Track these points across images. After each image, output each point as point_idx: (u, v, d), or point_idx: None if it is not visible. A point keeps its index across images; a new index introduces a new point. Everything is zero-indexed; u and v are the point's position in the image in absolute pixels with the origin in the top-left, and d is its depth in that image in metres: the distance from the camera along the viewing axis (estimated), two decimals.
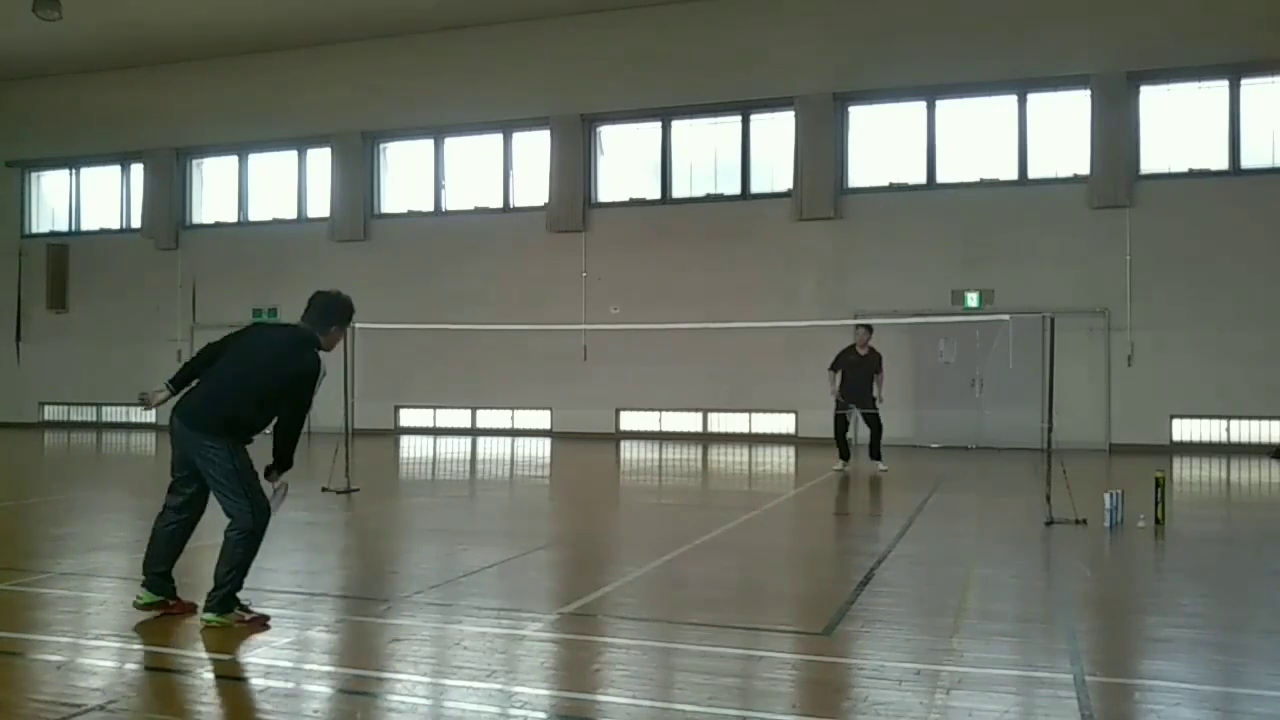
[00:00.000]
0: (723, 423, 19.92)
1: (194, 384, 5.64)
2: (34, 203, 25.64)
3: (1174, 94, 17.75)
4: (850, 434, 14.47)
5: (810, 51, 19.17)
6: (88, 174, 25.10)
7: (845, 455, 14.22)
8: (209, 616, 5.38)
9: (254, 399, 5.48)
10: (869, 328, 14.07)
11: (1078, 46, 17.69)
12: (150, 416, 23.94)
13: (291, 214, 23.15)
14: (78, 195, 25.18)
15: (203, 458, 5.52)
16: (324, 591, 6.47)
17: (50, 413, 24.99)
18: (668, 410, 20.06)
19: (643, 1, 20.01)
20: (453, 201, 21.94)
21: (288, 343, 5.58)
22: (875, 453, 14.20)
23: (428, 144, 22.02)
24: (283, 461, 5.69)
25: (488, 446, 18.92)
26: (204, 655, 4.84)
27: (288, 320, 5.96)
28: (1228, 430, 17.23)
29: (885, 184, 19.12)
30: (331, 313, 5.74)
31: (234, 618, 5.39)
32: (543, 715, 4.15)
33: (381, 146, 22.49)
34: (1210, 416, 17.32)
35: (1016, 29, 18.02)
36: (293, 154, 23.15)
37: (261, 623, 5.41)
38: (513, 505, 11.37)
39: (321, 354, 5.64)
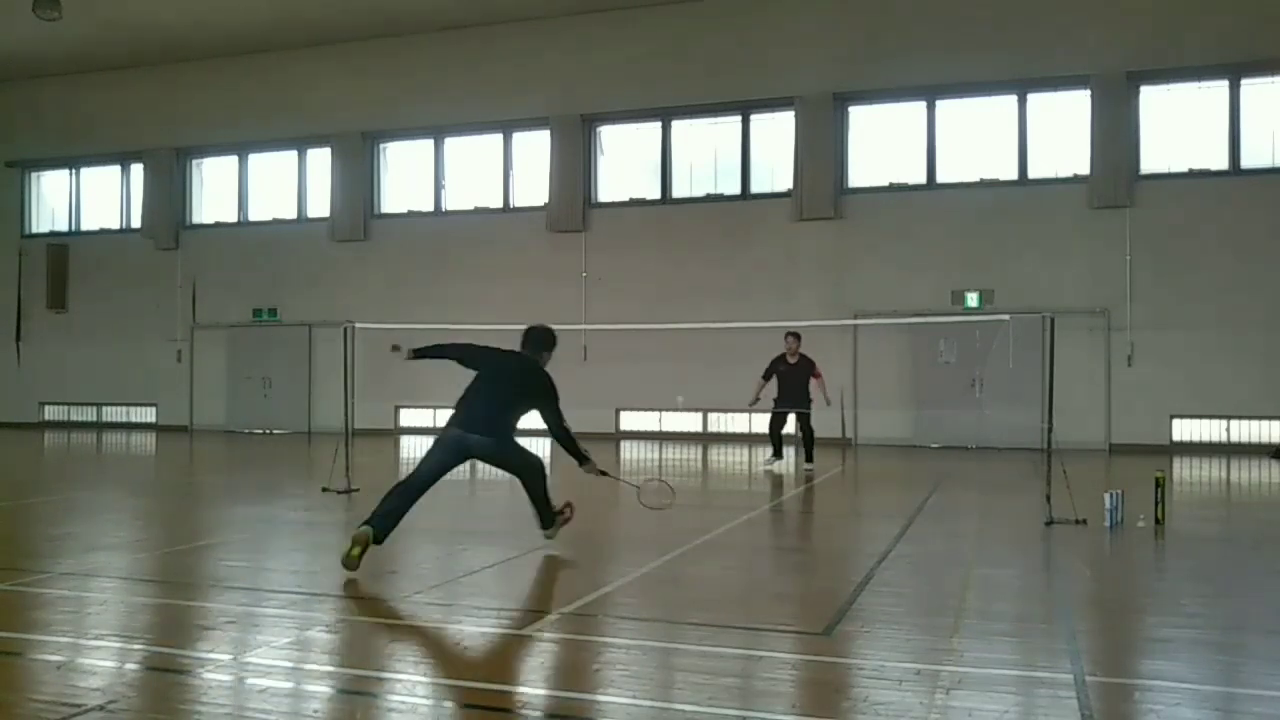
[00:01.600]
0: (723, 423, 19.92)
1: (470, 401, 7.43)
2: (34, 203, 25.65)
3: (1174, 94, 17.75)
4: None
5: (810, 51, 19.17)
6: (88, 174, 25.11)
7: (779, 453, 14.27)
8: (549, 532, 7.52)
9: (515, 414, 7.44)
10: (797, 335, 14.00)
11: (1078, 46, 17.69)
12: (150, 416, 23.97)
13: (291, 214, 23.16)
14: (78, 195, 25.18)
15: (500, 450, 7.29)
16: (324, 591, 6.46)
17: (50, 413, 25.00)
18: (667, 410, 20.07)
19: (643, 1, 20.01)
20: (453, 201, 21.94)
21: (531, 370, 7.55)
22: (809, 455, 14.34)
23: (428, 144, 22.03)
24: (579, 456, 7.42)
25: None
26: (204, 655, 4.84)
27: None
28: (1228, 430, 17.23)
29: (885, 184, 19.13)
30: (543, 343, 7.73)
31: (561, 522, 7.60)
32: (543, 715, 4.15)
33: (381, 146, 22.49)
34: (1210, 416, 17.33)
35: (1016, 29, 18.02)
36: (293, 154, 23.16)
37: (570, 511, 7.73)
38: (513, 505, 11.36)
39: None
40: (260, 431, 22.58)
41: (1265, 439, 17.00)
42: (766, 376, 14.12)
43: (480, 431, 7.13)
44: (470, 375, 7.55)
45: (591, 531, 8.15)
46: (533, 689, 4.47)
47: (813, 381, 13.91)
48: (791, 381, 13.93)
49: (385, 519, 6.72)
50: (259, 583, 6.57)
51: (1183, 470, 14.72)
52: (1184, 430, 17.47)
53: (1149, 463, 12.17)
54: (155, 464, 16.77)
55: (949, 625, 5.41)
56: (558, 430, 7.30)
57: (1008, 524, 9.33)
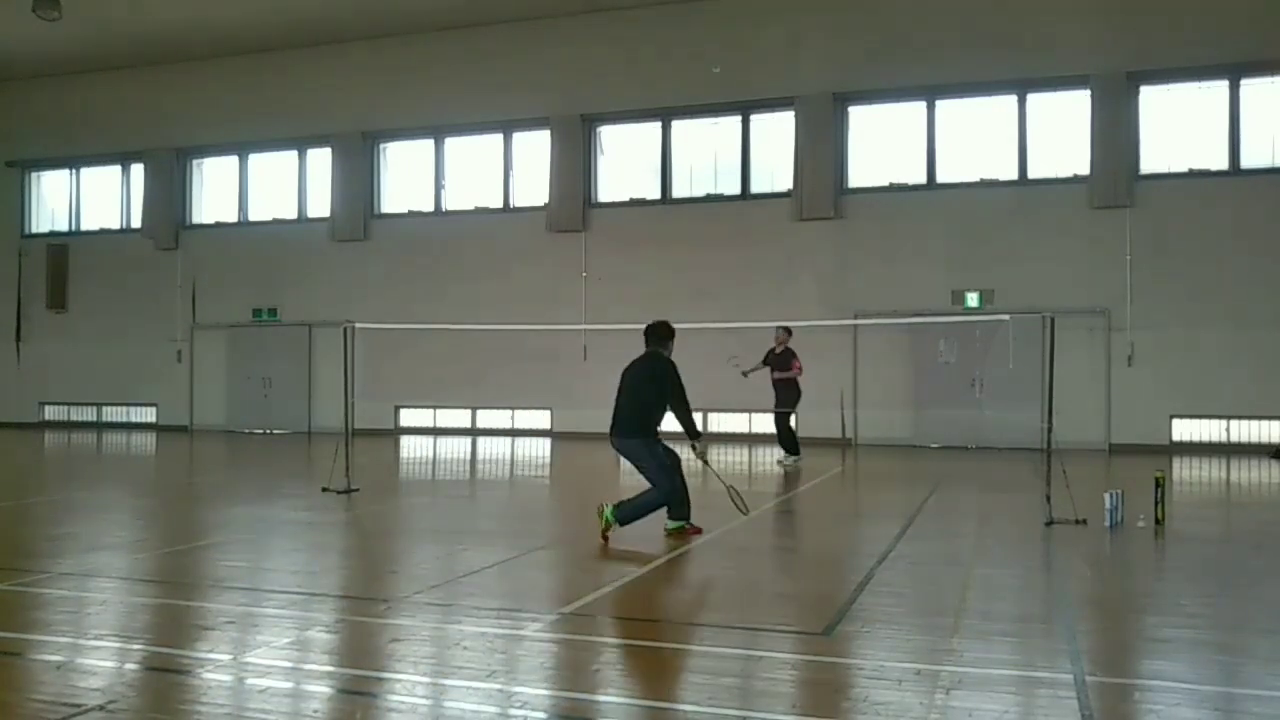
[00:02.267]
0: (723, 423, 19.92)
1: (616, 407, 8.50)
2: (34, 203, 25.65)
3: (1174, 94, 17.75)
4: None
5: (810, 51, 19.17)
6: (88, 174, 25.11)
7: (796, 450, 14.80)
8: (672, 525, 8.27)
9: (648, 409, 8.44)
10: (787, 330, 14.83)
11: (1078, 46, 17.69)
12: (150, 416, 23.98)
13: (291, 214, 23.16)
14: (78, 195, 25.18)
15: (637, 451, 8.38)
16: (324, 591, 6.46)
17: (50, 413, 25.00)
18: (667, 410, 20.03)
19: (643, 1, 20.02)
20: (453, 201, 21.94)
21: (657, 363, 8.55)
22: (790, 449, 14.97)
23: (428, 144, 22.03)
24: (694, 433, 8.50)
25: (488, 446, 18.92)
26: (204, 655, 4.84)
27: None
28: (1228, 430, 17.23)
29: (885, 184, 19.13)
30: (662, 335, 8.78)
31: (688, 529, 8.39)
32: (543, 715, 4.15)
33: (381, 146, 22.49)
34: (1210, 416, 17.33)
35: (1016, 29, 18.02)
36: (293, 154, 23.16)
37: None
38: (513, 505, 11.37)
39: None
40: (260, 431, 22.58)
41: (1265, 439, 17.00)
42: (763, 364, 14.90)
43: (615, 434, 8.35)
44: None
45: (591, 531, 8.15)
46: (533, 689, 4.47)
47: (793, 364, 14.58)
48: (775, 370, 14.68)
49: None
50: (259, 583, 6.57)
51: (1183, 470, 14.72)
52: (1184, 430, 17.47)
53: (1149, 463, 12.17)
54: (155, 464, 16.77)
55: (949, 625, 5.42)
56: (679, 407, 8.34)
57: (1008, 524, 9.33)
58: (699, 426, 8.45)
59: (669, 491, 8.12)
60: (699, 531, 8.27)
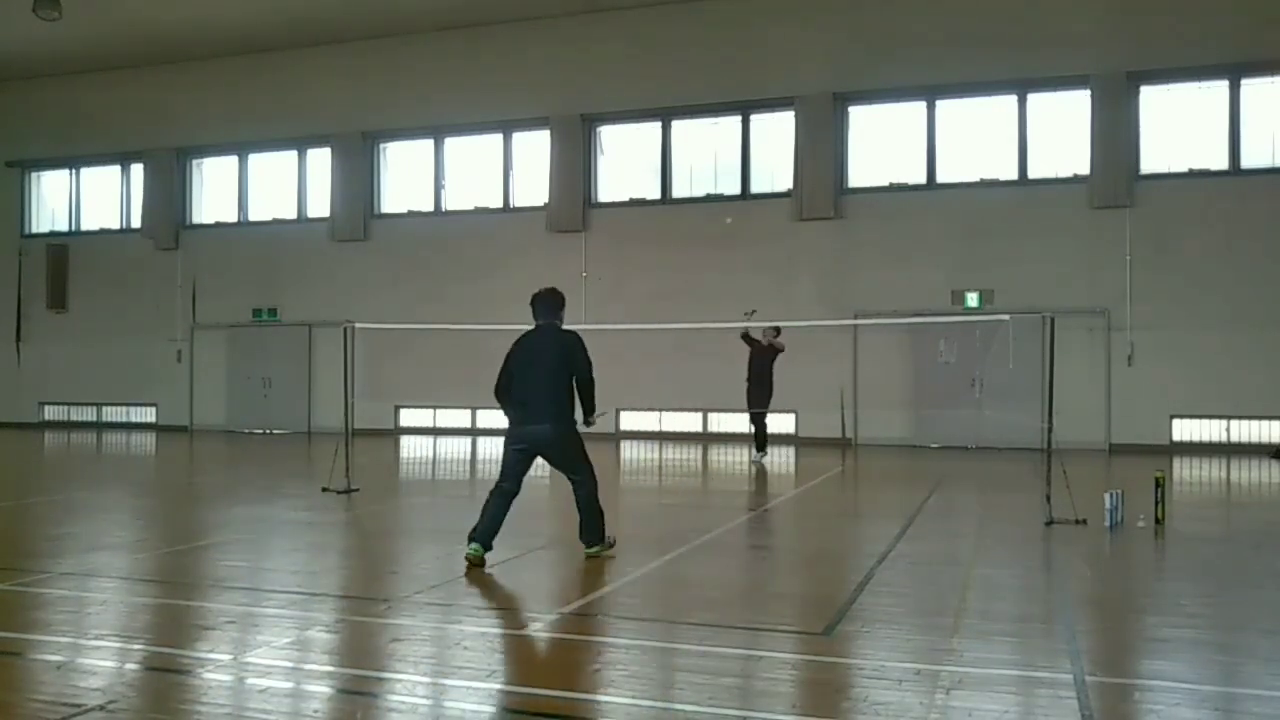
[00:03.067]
0: (723, 423, 19.92)
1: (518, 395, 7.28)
2: (34, 203, 25.65)
3: (1174, 94, 17.75)
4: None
5: (810, 51, 19.17)
6: (88, 174, 25.11)
7: (764, 447, 15.13)
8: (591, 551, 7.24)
9: (564, 390, 7.29)
10: (775, 329, 14.90)
11: (1078, 46, 17.69)
12: (150, 416, 23.98)
13: (291, 214, 23.16)
14: (78, 195, 25.18)
15: (558, 441, 7.29)
16: (324, 591, 6.46)
17: (50, 413, 25.00)
18: (668, 410, 20.07)
19: (643, 1, 20.01)
20: (453, 201, 21.94)
21: (566, 337, 7.43)
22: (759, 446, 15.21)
23: (428, 144, 22.03)
24: (591, 408, 7.48)
25: (488, 446, 18.91)
26: (204, 655, 4.84)
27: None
28: (1228, 430, 17.23)
29: (885, 184, 19.13)
30: (556, 305, 7.62)
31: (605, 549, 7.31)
32: (543, 715, 4.15)
33: (381, 146, 22.49)
34: (1210, 416, 17.33)
35: (1016, 29, 18.02)
36: (293, 154, 23.16)
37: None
38: (512, 505, 11.36)
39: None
40: (260, 431, 22.58)
41: (1265, 439, 17.00)
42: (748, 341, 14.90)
43: (535, 421, 7.18)
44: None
45: None
46: (533, 689, 4.47)
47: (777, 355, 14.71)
48: (756, 365, 14.77)
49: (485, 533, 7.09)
50: (259, 583, 6.57)
51: (1183, 470, 14.72)
52: (1184, 430, 17.47)
53: (1149, 463, 12.17)
54: (155, 464, 16.77)
55: (949, 625, 5.42)
56: (586, 386, 7.38)
57: (1008, 524, 9.33)
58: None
59: (594, 482, 7.31)
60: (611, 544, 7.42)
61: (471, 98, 21.22)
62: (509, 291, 20.74)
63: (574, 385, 7.32)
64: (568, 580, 7.01)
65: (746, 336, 14.88)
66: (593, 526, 7.27)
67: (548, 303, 7.61)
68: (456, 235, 21.36)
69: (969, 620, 5.56)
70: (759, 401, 14.73)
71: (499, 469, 7.33)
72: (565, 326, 7.63)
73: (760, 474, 13.88)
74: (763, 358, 14.77)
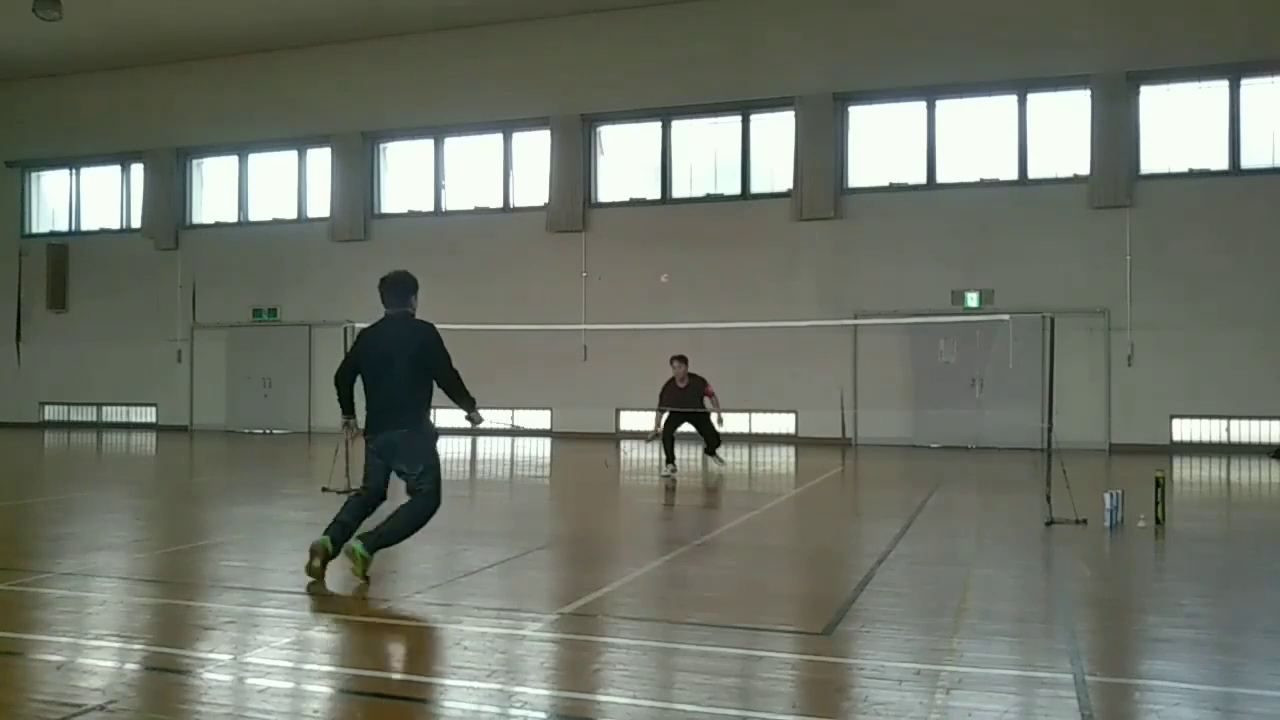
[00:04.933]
0: (722, 423, 19.87)
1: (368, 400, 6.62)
2: (34, 203, 25.66)
3: (1174, 94, 17.76)
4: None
5: (810, 51, 19.18)
6: (88, 174, 25.11)
7: (671, 459, 13.56)
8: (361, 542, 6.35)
9: (420, 390, 6.57)
10: (683, 359, 13.40)
11: (1078, 46, 17.70)
12: (150, 416, 23.99)
13: (291, 214, 23.17)
14: (78, 195, 25.19)
15: (411, 444, 6.60)
16: (324, 591, 6.46)
17: (50, 413, 25.00)
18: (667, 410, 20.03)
19: (643, 2, 20.02)
20: (453, 201, 21.95)
21: (421, 330, 6.59)
22: (711, 449, 13.84)
23: (428, 144, 22.03)
24: (468, 403, 6.85)
25: (488, 446, 18.91)
26: (204, 655, 4.83)
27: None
28: (1228, 430, 17.23)
29: (885, 184, 19.13)
30: (409, 289, 6.74)
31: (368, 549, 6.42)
32: (543, 715, 4.14)
33: (381, 146, 22.50)
34: (1210, 416, 17.33)
35: (1016, 29, 18.03)
36: (293, 154, 23.16)
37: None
38: (513, 505, 11.36)
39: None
40: (260, 431, 22.57)
41: (1265, 439, 17.00)
42: (660, 409, 13.50)
43: (388, 427, 6.51)
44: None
45: (591, 531, 8.14)
46: (533, 689, 4.46)
47: (706, 400, 13.35)
48: (684, 402, 13.36)
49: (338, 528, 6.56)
50: (259, 583, 6.57)
51: (1183, 470, 14.72)
52: (1184, 430, 17.47)
53: (1149, 463, 12.17)
54: (155, 464, 16.76)
55: (949, 625, 5.41)
56: (450, 381, 6.66)
57: (1008, 524, 9.33)
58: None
59: (438, 500, 6.64)
60: (366, 580, 6.45)
61: (471, 98, 21.22)
62: (509, 292, 20.87)
63: (432, 384, 6.58)
64: (568, 580, 7.01)
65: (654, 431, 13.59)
66: (391, 536, 6.51)
67: (397, 287, 6.71)
68: (456, 235, 21.36)
69: (969, 620, 5.56)
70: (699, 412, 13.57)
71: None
72: (419, 317, 6.80)
73: (721, 476, 13.26)
74: (687, 392, 13.42)
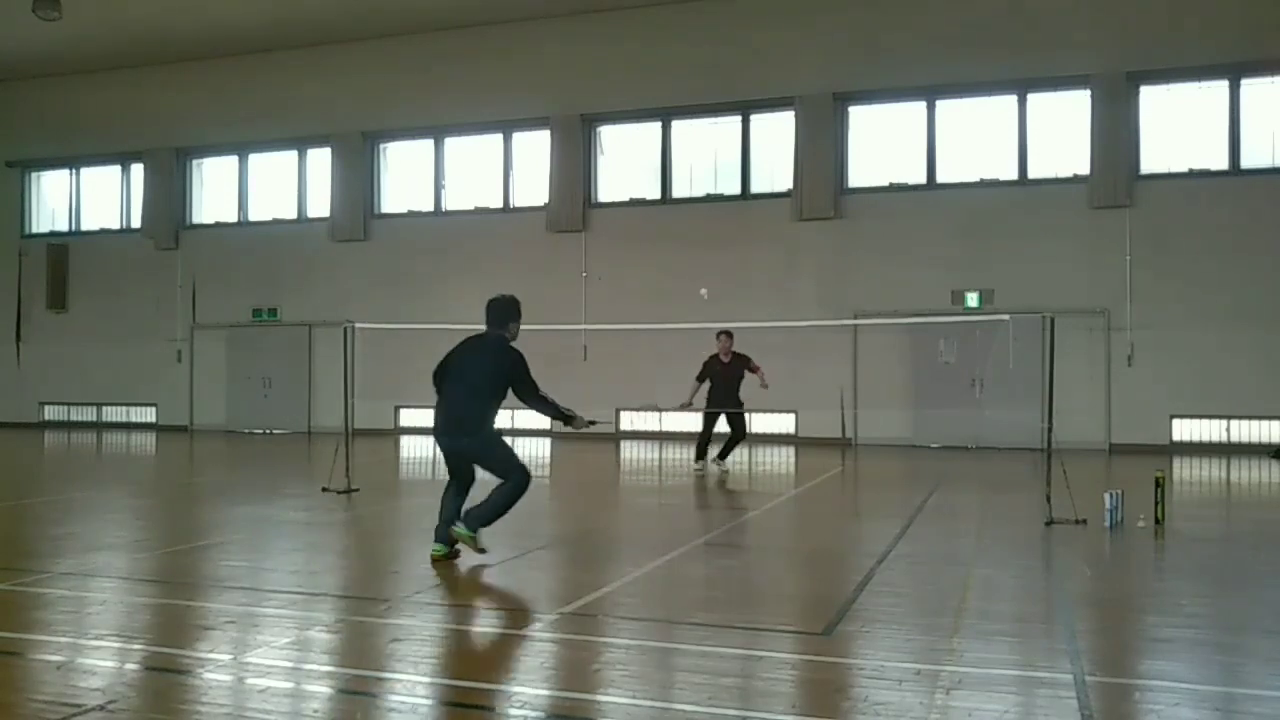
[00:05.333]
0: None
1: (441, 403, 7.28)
2: (34, 203, 25.65)
3: (1174, 94, 17.75)
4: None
5: (810, 51, 19.17)
6: (88, 174, 25.11)
7: (703, 455, 13.83)
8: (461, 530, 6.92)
9: (490, 404, 7.23)
10: (729, 334, 13.73)
11: (1078, 46, 17.69)
12: (150, 416, 23.98)
13: (291, 214, 23.16)
14: (78, 195, 25.19)
15: (483, 450, 7.29)
16: (324, 591, 6.46)
17: (50, 413, 25.00)
18: (667, 410, 20.02)
19: (643, 1, 20.01)
20: (453, 201, 21.94)
21: (505, 356, 7.18)
22: (725, 453, 13.89)
23: (428, 144, 22.03)
24: (565, 417, 7.39)
25: None
26: (204, 655, 4.84)
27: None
28: (1228, 430, 17.22)
29: (885, 184, 19.13)
30: (510, 315, 7.39)
31: (473, 543, 6.97)
32: (543, 715, 4.15)
33: (381, 146, 22.49)
34: (1210, 416, 17.32)
35: (1016, 29, 18.02)
36: (293, 154, 23.16)
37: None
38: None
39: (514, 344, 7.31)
40: (260, 431, 22.58)
41: (1265, 439, 17.00)
42: (700, 378, 13.79)
43: (450, 433, 7.16)
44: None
45: (591, 531, 8.14)
46: (533, 689, 4.47)
47: (751, 376, 13.60)
48: (725, 381, 13.61)
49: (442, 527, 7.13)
50: (259, 583, 6.57)
51: (1183, 470, 14.72)
52: (1184, 430, 17.47)
53: (1149, 463, 12.17)
54: (155, 464, 16.77)
55: (949, 625, 5.42)
56: (535, 401, 7.18)
57: (1008, 524, 9.33)
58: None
59: (526, 477, 7.20)
60: (484, 551, 7.08)
61: (471, 98, 21.21)
62: (509, 292, 20.78)
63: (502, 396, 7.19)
64: (568, 580, 7.01)
65: (692, 397, 13.84)
66: (491, 513, 7.10)
67: (498, 311, 7.46)
68: (456, 235, 21.36)
69: (969, 620, 5.56)
70: (735, 404, 13.80)
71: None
72: (513, 343, 7.41)
73: (721, 479, 13.22)
74: (728, 374, 13.74)
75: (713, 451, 14.01)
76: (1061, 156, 18.12)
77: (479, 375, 7.10)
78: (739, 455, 14.83)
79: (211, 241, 23.63)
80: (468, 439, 7.10)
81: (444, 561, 6.98)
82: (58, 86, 24.49)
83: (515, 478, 7.14)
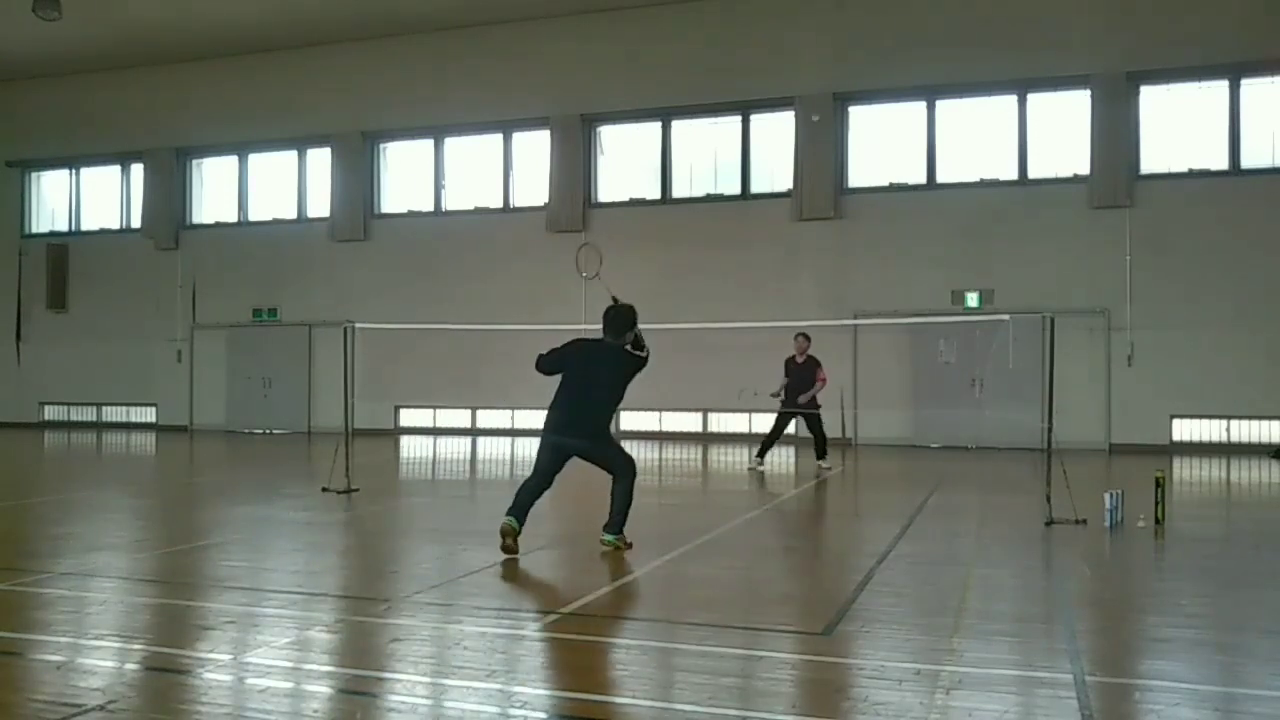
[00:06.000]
0: (723, 423, 19.92)
1: (560, 404, 7.70)
2: (34, 203, 25.66)
3: (1174, 94, 17.76)
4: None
5: (810, 51, 19.17)
6: (88, 174, 25.11)
7: (764, 453, 14.24)
8: (610, 539, 7.46)
9: (610, 409, 7.89)
10: (806, 336, 14.15)
11: (1078, 46, 17.69)
12: (150, 416, 23.97)
13: (291, 214, 23.16)
14: (78, 195, 25.19)
15: (598, 449, 7.71)
16: (324, 591, 6.46)
17: (50, 413, 25.00)
18: (667, 410, 20.06)
19: (643, 1, 20.01)
20: (453, 201, 21.94)
21: (617, 357, 7.81)
22: (820, 453, 14.22)
23: (428, 144, 22.03)
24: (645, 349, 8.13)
25: (488, 446, 18.92)
26: (204, 655, 4.84)
27: None
28: (1228, 430, 17.23)
29: (885, 184, 19.13)
30: (627, 325, 7.96)
31: (622, 542, 7.52)
32: (543, 715, 4.15)
33: (381, 146, 22.49)
34: (1210, 416, 17.33)
35: (1016, 29, 18.02)
36: (293, 154, 23.16)
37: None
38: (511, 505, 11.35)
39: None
40: (260, 431, 22.58)
41: (1265, 439, 17.00)
42: (787, 374, 14.26)
43: (575, 435, 7.52)
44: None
45: (592, 531, 8.14)
46: (533, 689, 4.47)
47: (816, 384, 13.99)
48: (797, 381, 14.02)
49: (519, 510, 7.39)
50: (259, 583, 6.57)
51: (1183, 470, 14.72)
52: (1184, 430, 17.47)
53: (1149, 463, 12.17)
54: (155, 464, 16.77)
55: (949, 625, 5.41)
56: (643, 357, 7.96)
57: (1008, 524, 9.33)
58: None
59: (634, 467, 7.69)
60: (630, 545, 7.55)
61: (471, 98, 21.21)
62: (509, 292, 20.86)
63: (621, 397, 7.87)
64: (568, 580, 7.01)
65: (780, 389, 14.25)
66: (622, 514, 7.55)
67: (617, 321, 7.95)
68: (456, 235, 21.37)
69: (969, 620, 5.56)
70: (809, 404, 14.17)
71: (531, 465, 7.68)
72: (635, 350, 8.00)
73: (817, 476, 13.55)
74: (802, 370, 14.18)
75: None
76: (1061, 156, 18.12)
77: (608, 388, 7.65)
78: (740, 455, 14.80)
79: (211, 241, 23.63)
80: (593, 442, 7.54)
81: (513, 539, 7.17)
82: (58, 86, 24.50)
83: (629, 470, 7.59)
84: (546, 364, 7.73)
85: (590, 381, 7.56)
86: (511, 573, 6.97)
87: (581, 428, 7.51)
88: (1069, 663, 4.70)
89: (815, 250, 19.06)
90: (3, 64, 23.89)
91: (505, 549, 7.17)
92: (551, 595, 6.53)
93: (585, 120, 20.56)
